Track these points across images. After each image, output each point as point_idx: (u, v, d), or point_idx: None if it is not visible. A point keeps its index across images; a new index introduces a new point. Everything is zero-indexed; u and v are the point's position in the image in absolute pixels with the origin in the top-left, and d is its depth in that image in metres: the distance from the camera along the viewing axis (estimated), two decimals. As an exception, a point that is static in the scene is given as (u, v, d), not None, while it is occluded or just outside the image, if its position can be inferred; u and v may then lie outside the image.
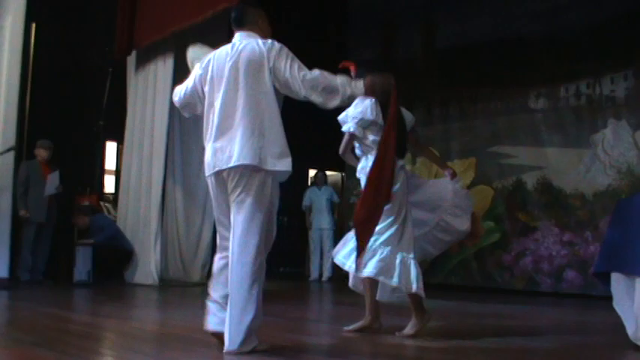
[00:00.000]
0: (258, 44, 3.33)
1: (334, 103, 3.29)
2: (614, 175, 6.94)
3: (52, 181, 7.66)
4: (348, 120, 3.95)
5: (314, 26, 8.81)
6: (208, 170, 3.32)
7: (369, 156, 3.93)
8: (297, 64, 3.28)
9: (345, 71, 3.91)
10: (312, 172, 11.09)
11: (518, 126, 7.76)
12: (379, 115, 3.91)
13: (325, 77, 3.27)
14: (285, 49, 3.32)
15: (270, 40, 3.37)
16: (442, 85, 8.46)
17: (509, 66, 7.71)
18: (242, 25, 3.48)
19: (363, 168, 3.95)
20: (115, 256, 8.01)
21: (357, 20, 9.46)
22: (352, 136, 3.99)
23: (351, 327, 4.01)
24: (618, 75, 7.01)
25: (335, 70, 3.79)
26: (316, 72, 3.27)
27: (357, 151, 4.11)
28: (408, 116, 4.20)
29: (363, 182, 3.91)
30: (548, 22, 7.40)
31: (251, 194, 3.19)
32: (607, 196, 6.84)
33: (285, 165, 3.22)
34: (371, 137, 3.93)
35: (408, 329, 3.86)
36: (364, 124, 3.92)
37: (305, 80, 3.24)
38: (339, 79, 3.29)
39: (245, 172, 3.19)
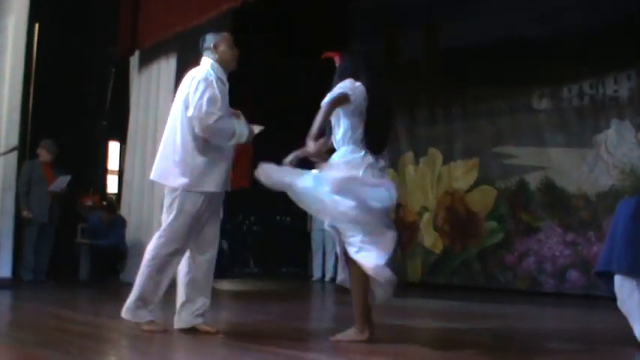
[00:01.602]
0: (192, 73, 3.80)
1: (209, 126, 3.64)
2: (617, 176, 6.92)
3: (61, 182, 7.66)
4: (334, 93, 3.50)
5: (316, 27, 8.79)
6: None
7: (343, 147, 3.55)
8: (200, 94, 3.65)
9: (330, 61, 3.87)
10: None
11: (521, 126, 7.76)
12: (365, 103, 3.53)
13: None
14: (202, 83, 3.68)
15: (200, 72, 3.76)
16: (445, 86, 8.45)
17: (512, 66, 7.70)
18: (201, 52, 3.93)
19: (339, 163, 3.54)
20: (113, 256, 8.06)
21: (360, 21, 9.46)
22: (344, 99, 3.49)
23: (337, 337, 3.65)
24: (621, 75, 7.00)
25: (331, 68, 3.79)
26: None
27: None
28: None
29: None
30: (551, 22, 7.38)
31: (166, 203, 3.86)
32: (610, 196, 6.83)
33: (179, 183, 3.74)
34: (350, 123, 3.54)
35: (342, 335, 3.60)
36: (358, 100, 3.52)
37: (199, 108, 3.63)
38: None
39: (162, 185, 3.96)
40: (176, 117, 3.79)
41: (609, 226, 3.81)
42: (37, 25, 8.19)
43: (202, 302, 3.81)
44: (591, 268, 6.58)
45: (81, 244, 8.16)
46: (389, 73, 8.85)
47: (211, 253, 3.90)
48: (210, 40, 3.88)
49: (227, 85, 3.85)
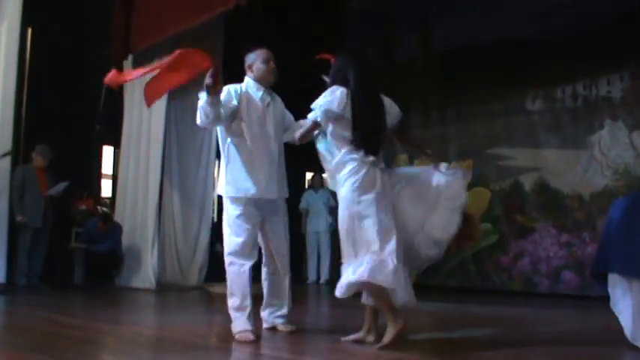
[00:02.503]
0: None
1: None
2: (611, 176, 6.95)
3: (59, 187, 7.67)
4: (315, 108, 3.64)
5: (313, 27, 8.79)
6: None
7: (342, 150, 3.62)
8: None
9: (325, 63, 3.88)
10: (309, 175, 11.08)
11: (515, 128, 7.77)
12: (347, 109, 3.58)
13: None
14: None
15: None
16: (440, 87, 8.45)
17: (506, 68, 7.71)
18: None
19: (340, 163, 3.64)
20: (109, 262, 8.06)
21: (356, 22, 9.46)
22: (316, 126, 3.71)
23: (348, 338, 3.76)
24: (614, 76, 7.03)
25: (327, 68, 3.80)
26: None
27: (322, 146, 3.96)
28: (392, 109, 3.78)
29: (339, 176, 3.65)
30: (544, 23, 7.41)
31: None
32: (604, 196, 6.85)
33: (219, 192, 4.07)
34: (341, 132, 3.62)
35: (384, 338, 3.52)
36: (330, 116, 3.61)
37: None
38: None
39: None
40: None
41: (603, 226, 3.82)
42: (30, 30, 8.17)
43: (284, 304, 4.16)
44: (586, 268, 6.62)
45: (75, 248, 8.15)
46: (385, 74, 8.87)
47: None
48: (247, 60, 4.11)
49: (268, 98, 4.07)
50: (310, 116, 3.68)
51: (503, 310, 6.03)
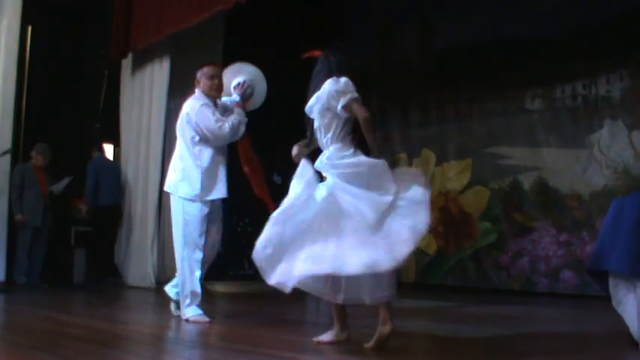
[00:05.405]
0: (188, 104, 4.61)
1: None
2: (610, 176, 6.94)
3: (61, 184, 7.71)
4: (343, 95, 3.41)
5: (311, 26, 8.79)
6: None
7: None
8: (207, 118, 4.46)
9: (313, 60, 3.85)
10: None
11: (514, 127, 7.77)
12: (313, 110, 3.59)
13: None
14: (204, 108, 4.47)
15: (194, 101, 4.52)
16: (438, 86, 8.46)
17: (505, 67, 7.72)
18: None
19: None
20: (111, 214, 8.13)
21: (354, 20, 9.47)
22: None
23: (320, 338, 3.57)
24: (614, 75, 7.02)
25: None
26: None
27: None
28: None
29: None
30: (543, 22, 7.40)
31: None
32: (603, 196, 6.84)
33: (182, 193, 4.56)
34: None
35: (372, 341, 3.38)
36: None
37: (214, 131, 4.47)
38: None
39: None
40: (179, 137, 4.62)
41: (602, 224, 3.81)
42: (29, 28, 8.17)
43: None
44: (585, 267, 6.61)
45: (75, 246, 8.16)
46: (382, 74, 8.89)
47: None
48: (197, 76, 4.55)
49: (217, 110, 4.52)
50: (346, 100, 3.49)
51: (501, 309, 6.04)
